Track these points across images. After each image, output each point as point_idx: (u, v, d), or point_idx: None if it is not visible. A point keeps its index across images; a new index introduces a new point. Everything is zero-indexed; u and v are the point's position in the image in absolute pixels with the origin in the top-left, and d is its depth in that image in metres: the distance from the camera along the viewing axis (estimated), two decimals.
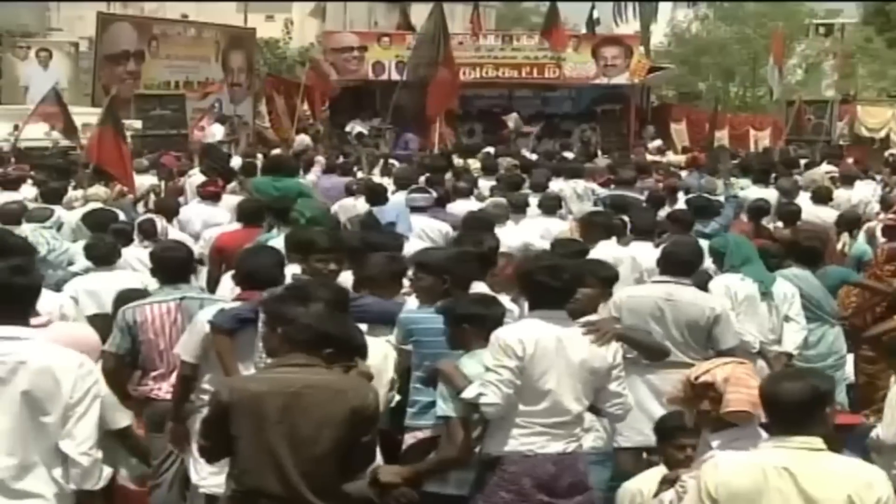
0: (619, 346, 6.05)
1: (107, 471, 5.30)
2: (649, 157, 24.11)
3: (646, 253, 10.11)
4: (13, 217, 11.27)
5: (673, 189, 15.87)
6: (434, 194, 12.78)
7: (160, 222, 11.31)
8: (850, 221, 13.15)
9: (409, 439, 6.22)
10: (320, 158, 19.94)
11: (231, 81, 31.87)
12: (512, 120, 30.17)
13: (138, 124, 26.50)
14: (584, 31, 35.58)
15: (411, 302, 6.82)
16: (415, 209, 12.37)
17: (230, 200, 14.38)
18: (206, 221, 13.31)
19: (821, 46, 48.67)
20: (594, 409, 5.96)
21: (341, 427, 5.14)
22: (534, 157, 22.57)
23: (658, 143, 29.57)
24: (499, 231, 10.45)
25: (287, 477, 5.14)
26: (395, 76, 32.08)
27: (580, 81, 31.94)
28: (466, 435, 5.81)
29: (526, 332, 5.79)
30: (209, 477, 6.77)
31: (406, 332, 6.52)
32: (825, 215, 14.13)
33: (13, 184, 15.38)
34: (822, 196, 15.02)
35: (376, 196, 13.20)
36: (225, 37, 32.16)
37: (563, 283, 5.91)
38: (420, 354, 6.41)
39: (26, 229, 10.27)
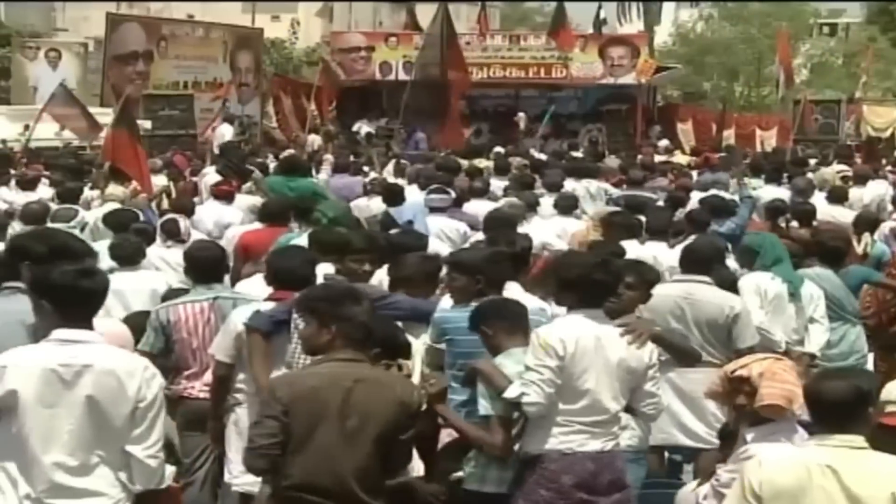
0: (654, 346, 6.09)
1: (169, 470, 5.37)
2: (658, 158, 24.13)
3: (665, 252, 10.17)
4: (37, 217, 11.33)
5: (686, 189, 15.90)
6: (452, 195, 12.82)
7: (183, 222, 11.33)
8: (870, 222, 13.17)
9: (444, 437, 6.26)
10: (329, 157, 19.98)
11: (239, 81, 32.00)
12: (522, 120, 30.24)
13: (148, 124, 26.58)
14: (590, 31, 35.62)
15: (445, 301, 6.86)
16: (433, 209, 12.42)
17: (245, 200, 14.46)
18: (218, 221, 13.29)
19: (825, 46, 48.71)
20: (628, 408, 6.01)
21: (387, 422, 5.26)
22: (542, 156, 22.61)
23: (665, 142, 29.64)
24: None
25: (339, 472, 5.24)
26: (402, 76, 32.23)
27: (587, 81, 32.07)
28: (507, 433, 5.87)
29: (567, 331, 5.83)
30: (241, 475, 6.83)
31: (440, 331, 6.56)
32: (840, 215, 14.14)
33: (30, 184, 15.49)
34: (837, 195, 15.01)
35: (394, 196, 13.22)
36: (233, 37, 32.30)
37: (614, 281, 5.99)
38: (453, 353, 6.44)
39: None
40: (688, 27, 47.86)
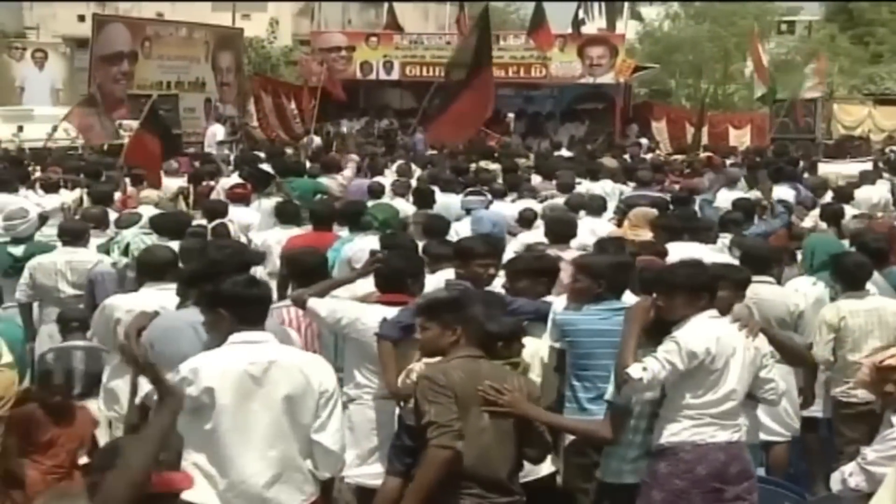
0: (763, 337, 6.46)
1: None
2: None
3: (707, 253, 10.54)
4: (100, 220, 11.58)
5: (693, 190, 16.26)
6: (489, 196, 13.13)
7: (232, 225, 11.61)
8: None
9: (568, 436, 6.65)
10: (355, 157, 20.17)
11: (220, 81, 32.17)
12: (511, 120, 30.66)
13: (135, 124, 26.72)
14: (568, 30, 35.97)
15: (558, 302, 7.20)
16: (468, 210, 12.73)
17: (266, 203, 14.65)
18: (237, 223, 13.44)
19: (790, 44, 49.38)
20: (750, 396, 6.38)
21: None
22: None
23: (645, 141, 30.13)
24: None
25: (493, 461, 5.63)
26: (382, 76, 32.59)
27: (566, 81, 32.44)
28: (623, 423, 6.23)
29: (707, 336, 6.14)
30: (356, 468, 7.12)
31: (561, 332, 6.92)
32: None
33: (54, 187, 15.64)
34: (844, 195, 15.38)
35: (424, 198, 13.51)
36: (214, 37, 32.47)
37: (714, 282, 6.40)
38: (574, 353, 6.82)
39: (128, 234, 10.59)
40: (655, 25, 48.30)
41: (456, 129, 18.92)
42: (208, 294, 5.72)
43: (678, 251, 9.34)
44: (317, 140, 26.08)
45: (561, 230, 10.50)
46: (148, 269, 8.02)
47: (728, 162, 21.97)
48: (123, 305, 7.75)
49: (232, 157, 23.21)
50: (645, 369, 5.97)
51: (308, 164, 19.06)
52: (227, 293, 5.60)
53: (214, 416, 5.38)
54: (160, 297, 7.41)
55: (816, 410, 8.67)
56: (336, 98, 29.01)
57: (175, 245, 9.45)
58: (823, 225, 13.23)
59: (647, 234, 12.21)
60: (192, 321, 6.03)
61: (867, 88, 40.19)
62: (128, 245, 10.31)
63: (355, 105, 33.49)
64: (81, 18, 38.87)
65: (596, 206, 13.41)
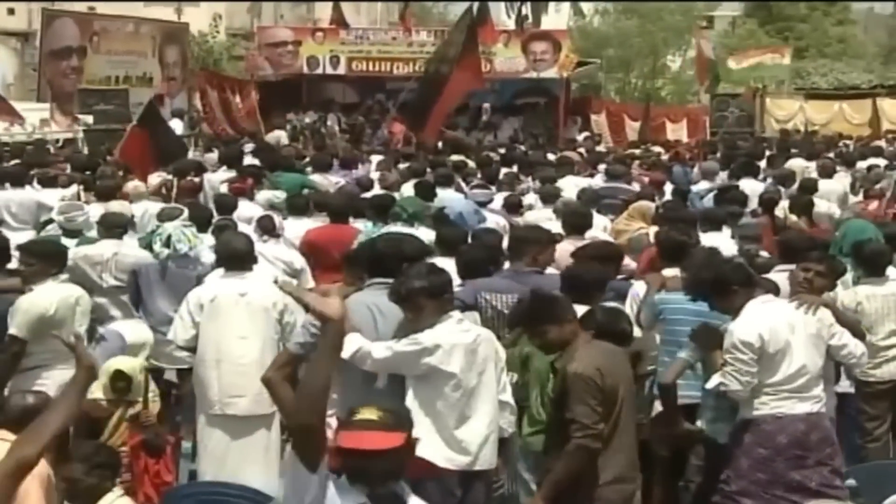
0: (828, 311, 7.12)
1: None
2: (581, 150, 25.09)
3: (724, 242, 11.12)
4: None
5: (661, 183, 16.88)
6: (494, 189, 13.63)
7: (277, 218, 11.98)
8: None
9: (657, 406, 7.28)
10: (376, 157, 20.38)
11: (167, 76, 32.37)
12: (486, 112, 31.21)
13: (90, 119, 26.96)
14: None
15: (639, 286, 7.85)
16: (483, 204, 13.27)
17: (263, 195, 15.05)
18: (239, 215, 13.48)
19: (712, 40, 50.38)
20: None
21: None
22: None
23: (587, 134, 30.83)
24: None
25: (633, 444, 6.20)
26: (329, 70, 32.96)
27: (511, 75, 33.03)
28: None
29: (759, 324, 6.78)
30: None
31: (658, 310, 7.57)
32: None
33: (52, 181, 15.86)
34: (809, 188, 16.03)
35: (426, 192, 13.97)
36: (160, 32, 32.67)
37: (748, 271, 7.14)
38: (668, 331, 7.45)
39: (169, 227, 10.93)
40: (585, 20, 49.22)
41: (435, 126, 19.32)
42: (402, 283, 6.33)
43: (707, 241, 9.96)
44: (281, 135, 26.39)
45: (577, 222, 11.08)
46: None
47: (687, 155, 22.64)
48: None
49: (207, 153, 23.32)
50: (733, 379, 6.71)
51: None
52: (416, 280, 6.27)
53: (448, 382, 6.26)
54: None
55: (848, 387, 9.29)
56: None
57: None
58: (793, 217, 13.90)
59: (638, 226, 12.91)
60: (367, 302, 6.54)
61: (795, 83, 41.25)
62: (169, 237, 10.66)
63: (298, 99, 33.78)
64: (11, 12, 38.71)
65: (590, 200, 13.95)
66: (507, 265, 8.39)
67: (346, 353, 6.24)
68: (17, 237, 11.02)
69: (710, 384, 6.81)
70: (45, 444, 4.47)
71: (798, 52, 49.49)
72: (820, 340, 6.94)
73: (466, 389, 6.25)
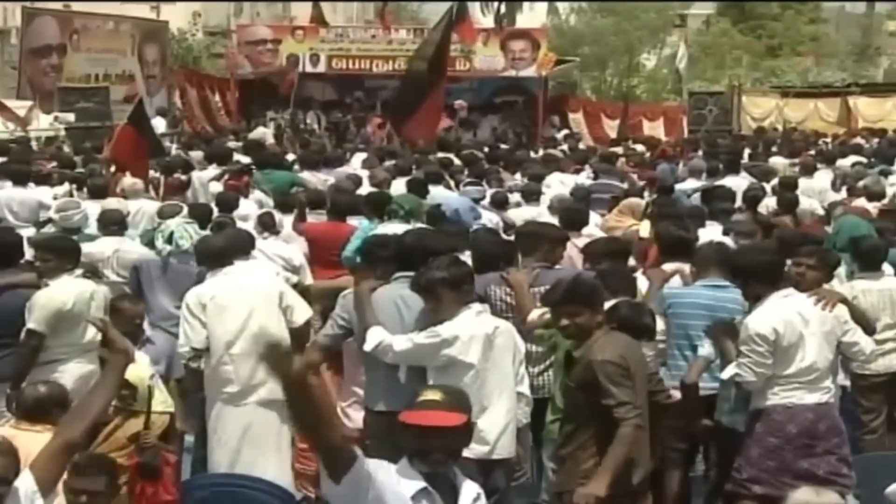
0: (844, 308, 7.30)
1: None
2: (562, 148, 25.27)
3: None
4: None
5: (652, 180, 17.09)
6: (486, 187, 13.78)
7: (278, 215, 12.11)
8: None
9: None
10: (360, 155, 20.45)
11: (146, 74, 32.34)
12: (464, 109, 31.32)
13: (71, 117, 26.96)
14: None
15: (675, 280, 8.14)
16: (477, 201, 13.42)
17: (256, 195, 15.18)
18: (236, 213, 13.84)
19: (692, 38, 50.67)
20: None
21: None
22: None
23: (567, 132, 31.00)
24: None
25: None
26: (308, 68, 33.02)
27: (490, 74, 33.17)
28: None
29: (773, 317, 6.98)
30: None
31: (667, 303, 7.76)
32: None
33: (45, 179, 15.92)
34: (790, 185, 16.22)
35: (419, 190, 14.09)
36: (139, 30, 32.70)
37: (782, 262, 7.34)
38: (677, 324, 7.62)
39: (172, 223, 11.05)
40: (561, 19, 49.47)
41: (428, 126, 19.37)
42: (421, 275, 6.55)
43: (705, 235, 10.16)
44: (265, 132, 26.46)
45: (574, 218, 11.25)
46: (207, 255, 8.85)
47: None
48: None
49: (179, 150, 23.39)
50: (748, 370, 6.92)
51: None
52: (435, 273, 6.49)
53: (466, 371, 6.47)
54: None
55: (843, 379, 9.47)
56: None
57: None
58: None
59: (630, 222, 13.10)
60: (393, 296, 6.74)
61: (770, 81, 41.55)
62: (171, 233, 10.78)
63: (276, 98, 33.80)
64: None
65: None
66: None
67: (368, 346, 6.44)
68: None
69: (726, 374, 7.02)
70: (88, 426, 4.68)
71: (771, 51, 49.95)
72: (833, 336, 7.13)
73: (485, 380, 6.43)
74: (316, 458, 8.04)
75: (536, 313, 7.38)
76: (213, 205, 12.94)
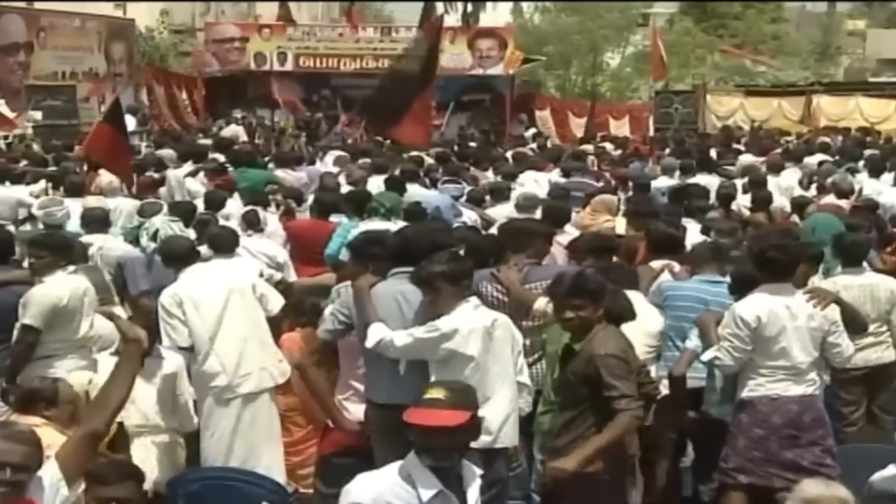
0: (836, 308, 7.44)
1: None
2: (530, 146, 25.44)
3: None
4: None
5: (625, 178, 17.26)
6: (465, 185, 13.90)
7: (262, 213, 12.18)
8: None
9: (662, 389, 7.63)
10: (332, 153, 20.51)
11: (113, 72, 32.37)
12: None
13: (39, 115, 26.91)
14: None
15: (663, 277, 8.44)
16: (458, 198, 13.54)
17: None
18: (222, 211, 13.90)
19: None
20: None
21: None
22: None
23: (534, 131, 31.20)
24: None
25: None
26: (276, 66, 33.09)
27: (457, 72, 33.30)
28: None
29: (759, 305, 7.14)
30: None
31: (664, 296, 7.97)
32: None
33: (20, 177, 15.94)
34: (759, 182, 16.35)
35: (397, 188, 14.20)
36: (106, 28, 32.69)
37: (791, 259, 7.34)
38: (672, 316, 7.82)
39: (157, 221, 11.12)
40: (525, 17, 49.69)
41: (421, 128, 19.24)
42: (424, 269, 6.66)
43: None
44: (237, 130, 26.51)
45: (557, 216, 11.41)
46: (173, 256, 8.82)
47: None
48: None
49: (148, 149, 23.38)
50: (727, 353, 7.09)
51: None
52: (434, 270, 6.62)
53: (466, 364, 6.60)
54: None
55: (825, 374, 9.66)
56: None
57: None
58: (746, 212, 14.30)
59: (604, 219, 13.26)
60: (393, 291, 6.87)
61: (734, 80, 41.88)
62: (156, 231, 10.86)
63: (242, 96, 33.86)
64: None
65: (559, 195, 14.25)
66: None
67: (369, 343, 6.55)
68: None
69: (706, 356, 7.18)
70: (111, 416, 4.82)
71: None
72: (819, 333, 7.25)
73: (486, 371, 6.56)
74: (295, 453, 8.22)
75: (542, 301, 7.54)
76: (193, 202, 12.95)
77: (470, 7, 36.54)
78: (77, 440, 4.75)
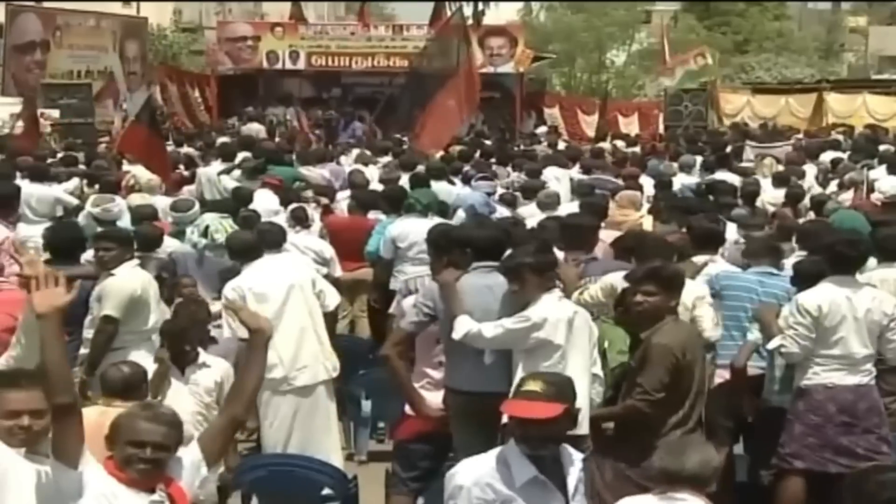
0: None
1: None
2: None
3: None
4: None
5: (636, 176, 17.39)
6: (497, 182, 14.12)
7: (310, 209, 12.43)
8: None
9: (717, 379, 7.91)
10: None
11: (127, 70, 32.58)
12: None
13: (56, 114, 27.15)
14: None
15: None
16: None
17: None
18: (268, 208, 13.88)
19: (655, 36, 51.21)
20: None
21: None
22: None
23: (546, 129, 31.36)
24: None
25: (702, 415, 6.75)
26: (288, 65, 33.32)
27: None
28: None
29: (821, 296, 7.47)
30: None
31: (721, 285, 8.34)
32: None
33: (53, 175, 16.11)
34: (782, 179, 16.67)
35: (421, 184, 14.37)
36: (121, 27, 32.90)
37: (858, 254, 7.63)
38: (727, 306, 8.15)
39: (207, 218, 11.37)
40: (532, 15, 49.97)
41: (440, 129, 19.16)
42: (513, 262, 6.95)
43: None
44: (258, 128, 26.72)
45: (597, 211, 11.63)
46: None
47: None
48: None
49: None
50: (793, 342, 7.39)
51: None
52: (523, 261, 6.91)
53: (553, 353, 6.84)
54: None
55: None
56: None
57: None
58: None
59: (634, 215, 13.50)
60: (479, 284, 7.18)
61: (739, 77, 42.10)
62: (207, 227, 11.11)
63: (255, 94, 34.06)
64: None
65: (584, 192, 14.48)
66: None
67: (457, 335, 6.84)
68: (36, 230, 11.42)
69: (772, 344, 7.48)
70: (249, 402, 5.10)
71: (738, 47, 50.54)
72: (877, 326, 7.54)
73: (568, 360, 6.80)
74: None
75: (576, 295, 7.74)
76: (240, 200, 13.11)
77: (477, 6, 36.62)
78: (219, 426, 5.04)
